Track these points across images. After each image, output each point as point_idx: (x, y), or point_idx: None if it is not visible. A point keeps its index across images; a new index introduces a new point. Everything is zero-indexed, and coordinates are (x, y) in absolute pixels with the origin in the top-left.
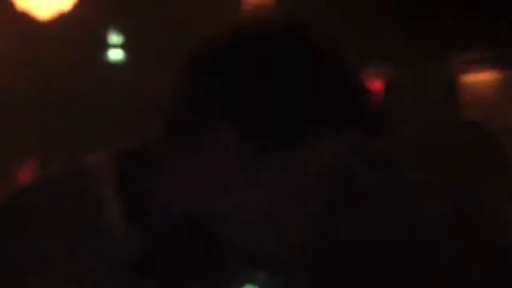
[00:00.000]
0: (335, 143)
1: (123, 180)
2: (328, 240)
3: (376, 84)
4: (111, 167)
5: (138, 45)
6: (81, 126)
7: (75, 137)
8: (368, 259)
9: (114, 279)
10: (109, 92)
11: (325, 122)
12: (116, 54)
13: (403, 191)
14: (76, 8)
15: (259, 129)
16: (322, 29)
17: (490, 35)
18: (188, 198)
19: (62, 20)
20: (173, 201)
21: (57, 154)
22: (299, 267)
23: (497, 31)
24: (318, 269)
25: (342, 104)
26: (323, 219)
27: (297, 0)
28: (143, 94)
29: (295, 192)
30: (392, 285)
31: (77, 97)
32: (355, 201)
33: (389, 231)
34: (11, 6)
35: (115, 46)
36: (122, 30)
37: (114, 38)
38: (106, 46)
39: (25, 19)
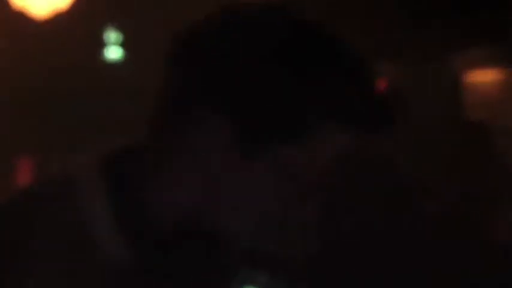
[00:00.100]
0: (335, 141)
1: (114, 183)
2: (328, 240)
3: (377, 84)
4: (102, 169)
5: (137, 43)
6: (79, 125)
7: (73, 135)
8: (368, 259)
9: (112, 280)
10: (108, 90)
11: (326, 120)
12: (114, 53)
13: (403, 191)
14: (74, 7)
15: (254, 124)
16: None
17: (492, 33)
18: (186, 199)
19: (59, 18)
20: (171, 202)
21: (55, 153)
22: (299, 268)
23: (500, 29)
24: (318, 269)
25: (342, 101)
26: (323, 219)
27: (297, 1)
28: (142, 92)
29: (295, 192)
30: (392, 285)
31: (75, 95)
32: (355, 201)
33: (389, 231)
34: (8, 5)
35: (113, 44)
36: (120, 28)
37: (113, 36)
38: (104, 44)
39: (22, 18)
